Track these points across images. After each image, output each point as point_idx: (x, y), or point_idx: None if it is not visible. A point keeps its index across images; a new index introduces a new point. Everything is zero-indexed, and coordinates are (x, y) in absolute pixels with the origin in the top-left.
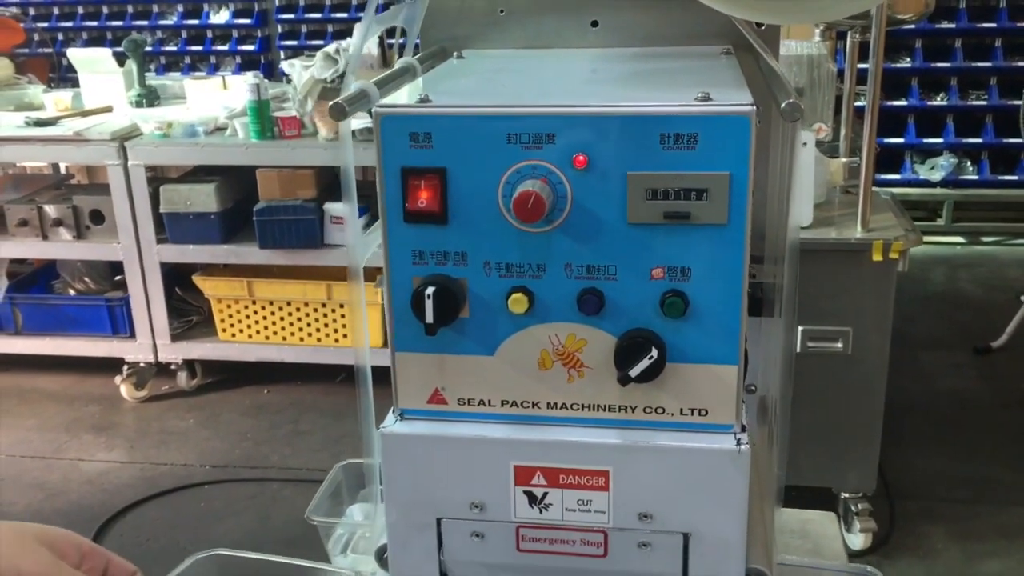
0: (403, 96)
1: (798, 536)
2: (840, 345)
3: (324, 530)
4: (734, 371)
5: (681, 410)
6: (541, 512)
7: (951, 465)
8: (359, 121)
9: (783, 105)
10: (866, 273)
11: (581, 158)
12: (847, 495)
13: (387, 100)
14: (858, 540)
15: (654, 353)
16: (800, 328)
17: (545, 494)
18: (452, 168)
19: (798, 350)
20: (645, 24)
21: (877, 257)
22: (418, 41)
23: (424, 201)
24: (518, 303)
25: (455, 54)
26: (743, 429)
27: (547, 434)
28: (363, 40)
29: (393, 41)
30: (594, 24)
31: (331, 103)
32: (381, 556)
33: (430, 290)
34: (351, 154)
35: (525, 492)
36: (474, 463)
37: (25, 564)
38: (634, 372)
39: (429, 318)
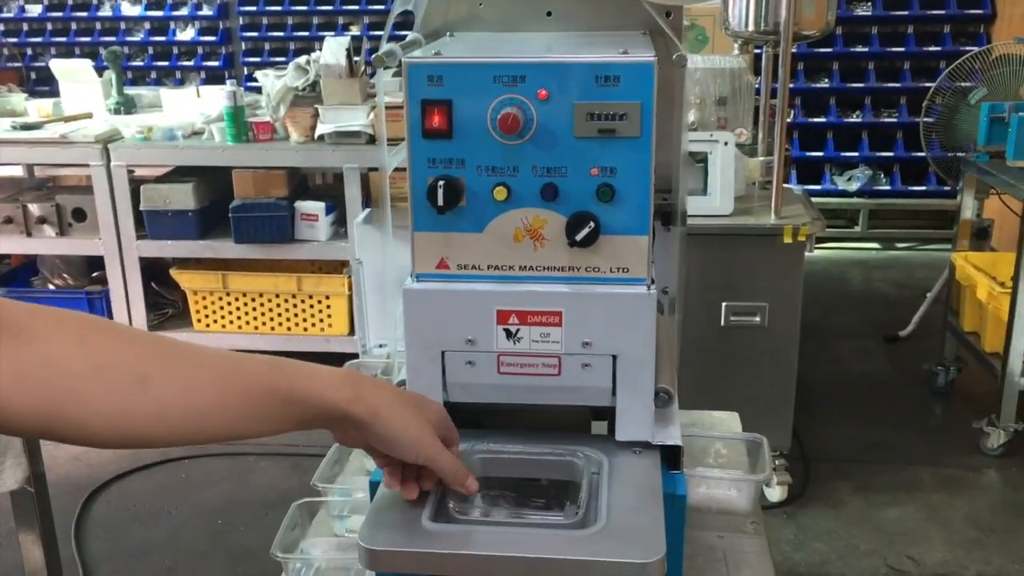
0: (419, 53)
1: (707, 427)
2: (758, 319)
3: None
4: (645, 240)
5: (611, 269)
6: (515, 344)
7: (859, 432)
8: (327, 127)
9: (674, 56)
10: (778, 254)
11: (543, 92)
12: (770, 459)
13: (412, 55)
14: (775, 493)
15: (592, 224)
16: (724, 304)
17: (518, 330)
18: (456, 100)
19: (722, 323)
20: (586, 15)
21: (787, 240)
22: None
23: (436, 123)
24: (500, 194)
25: (448, 33)
26: (652, 281)
27: (519, 287)
28: (392, 18)
29: (358, 59)
30: (548, 14)
31: (374, 55)
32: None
33: (440, 183)
34: (386, 155)
35: (504, 329)
36: (468, 310)
37: (427, 452)
38: (579, 237)
39: (440, 203)
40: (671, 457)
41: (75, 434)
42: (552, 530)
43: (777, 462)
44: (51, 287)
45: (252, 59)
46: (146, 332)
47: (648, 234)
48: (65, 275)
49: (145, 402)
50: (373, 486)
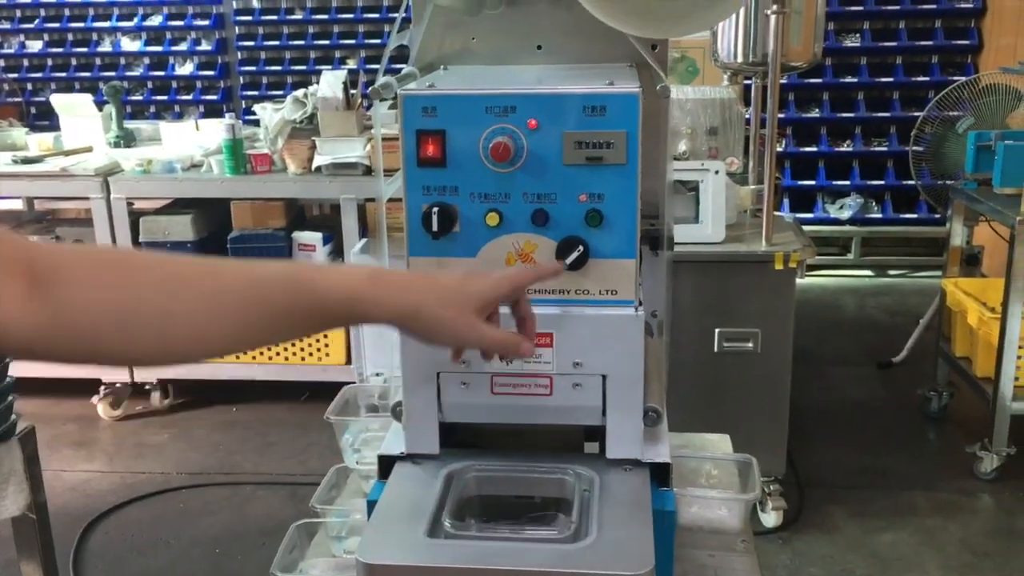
0: (414, 86)
1: (698, 448)
2: (751, 344)
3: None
4: (633, 263)
5: (600, 291)
6: (507, 364)
7: (853, 458)
8: (324, 158)
9: (659, 87)
10: (770, 281)
11: (533, 122)
12: (760, 479)
13: (407, 87)
14: (771, 518)
15: (581, 248)
16: (717, 330)
17: None
18: (449, 130)
19: (715, 350)
20: (575, 48)
21: (779, 266)
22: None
23: (431, 152)
24: (492, 219)
25: (442, 67)
26: (640, 303)
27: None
28: (389, 52)
29: (355, 91)
30: (539, 48)
31: (370, 88)
32: (395, 410)
33: (435, 210)
34: (383, 185)
35: None
36: None
37: (466, 341)
38: (568, 260)
39: (435, 228)
40: (660, 474)
41: (119, 361)
42: (544, 544)
43: (772, 488)
44: None
45: (250, 93)
46: (170, 260)
47: (635, 257)
48: None
49: (171, 334)
50: (371, 507)
